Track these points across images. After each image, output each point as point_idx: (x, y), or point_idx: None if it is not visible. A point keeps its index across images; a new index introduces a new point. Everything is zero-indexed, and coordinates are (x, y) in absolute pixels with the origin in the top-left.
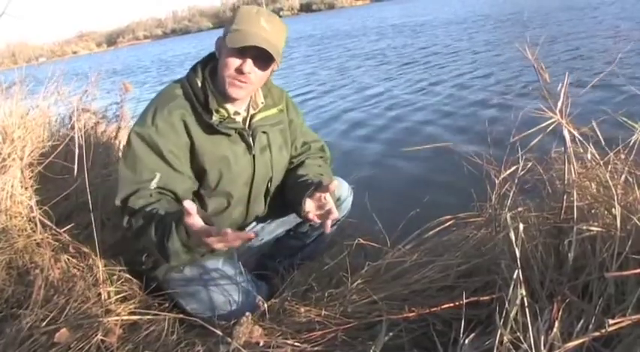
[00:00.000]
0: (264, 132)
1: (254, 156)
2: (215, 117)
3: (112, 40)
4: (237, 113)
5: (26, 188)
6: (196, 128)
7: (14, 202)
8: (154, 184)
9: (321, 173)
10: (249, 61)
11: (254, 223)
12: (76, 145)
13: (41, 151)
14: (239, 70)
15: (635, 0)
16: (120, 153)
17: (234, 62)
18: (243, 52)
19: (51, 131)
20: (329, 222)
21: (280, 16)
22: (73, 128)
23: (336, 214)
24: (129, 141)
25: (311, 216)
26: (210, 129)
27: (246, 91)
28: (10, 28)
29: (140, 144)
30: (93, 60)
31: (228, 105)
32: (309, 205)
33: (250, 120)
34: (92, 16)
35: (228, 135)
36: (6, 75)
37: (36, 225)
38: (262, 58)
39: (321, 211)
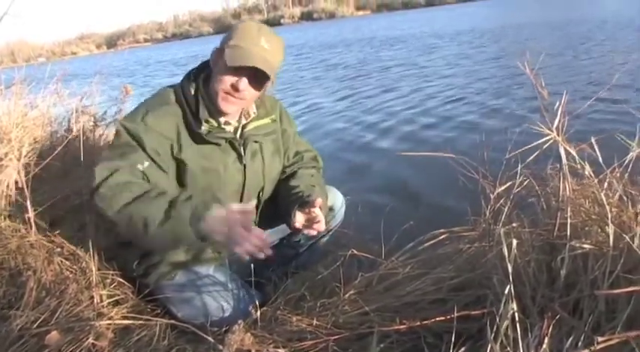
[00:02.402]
0: (256, 142)
1: (245, 165)
2: (204, 127)
3: (112, 42)
4: (227, 123)
5: (22, 188)
6: (186, 136)
7: (9, 202)
8: (140, 168)
9: (313, 183)
10: (245, 80)
11: None
12: (74, 147)
13: (38, 152)
14: (234, 87)
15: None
16: None
17: (229, 79)
18: (240, 70)
19: (49, 132)
20: (313, 232)
21: (281, 24)
22: (71, 130)
23: (322, 227)
24: (117, 132)
25: (298, 224)
26: (199, 138)
27: (238, 107)
28: (11, 27)
29: (127, 136)
30: (92, 62)
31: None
32: (299, 217)
33: (242, 130)
34: (93, 17)
35: (218, 144)
36: (5, 74)
37: (30, 226)
38: (258, 77)
39: (310, 223)
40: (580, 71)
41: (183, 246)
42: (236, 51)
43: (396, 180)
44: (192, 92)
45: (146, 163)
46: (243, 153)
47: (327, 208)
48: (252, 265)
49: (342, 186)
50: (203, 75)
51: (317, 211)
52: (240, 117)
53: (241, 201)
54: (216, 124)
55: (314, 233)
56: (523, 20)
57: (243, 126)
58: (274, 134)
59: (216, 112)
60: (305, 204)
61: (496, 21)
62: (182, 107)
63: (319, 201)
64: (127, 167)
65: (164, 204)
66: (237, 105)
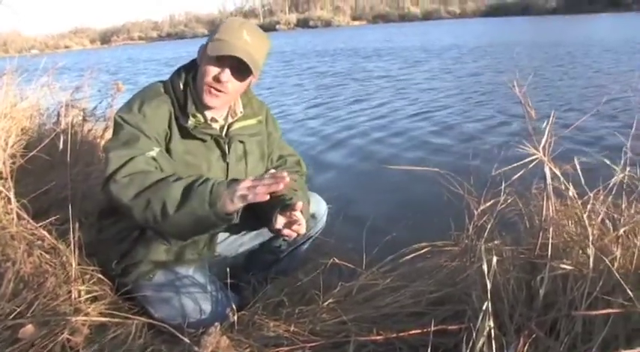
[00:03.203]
0: (241, 142)
1: (228, 163)
2: (191, 122)
3: (106, 38)
4: (214, 120)
5: (6, 179)
6: (175, 128)
7: None
8: (152, 154)
9: (295, 188)
10: (227, 71)
11: (227, 234)
12: (61, 141)
13: (25, 143)
14: (216, 79)
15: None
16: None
17: (212, 70)
18: (222, 61)
19: (37, 124)
20: (293, 234)
21: (276, 30)
22: (60, 123)
23: (303, 230)
24: (117, 125)
25: (278, 226)
26: (186, 132)
27: (222, 101)
28: (4, 17)
29: (129, 127)
30: (84, 56)
31: (206, 112)
32: (280, 220)
33: (228, 129)
34: (89, 11)
35: (204, 140)
36: None
37: (12, 217)
38: (240, 68)
39: (290, 226)
40: (567, 92)
41: (201, 229)
42: (218, 43)
43: (380, 191)
44: (182, 87)
45: (156, 149)
46: (227, 151)
47: (309, 213)
48: (227, 269)
49: (324, 195)
50: (192, 71)
51: (298, 214)
52: (227, 115)
53: None
54: (202, 120)
55: (294, 235)
56: (514, 39)
57: (229, 125)
58: (260, 135)
59: (202, 107)
60: (286, 207)
61: (488, 38)
62: (171, 100)
63: (300, 204)
64: (141, 155)
65: (181, 188)
66: (221, 98)
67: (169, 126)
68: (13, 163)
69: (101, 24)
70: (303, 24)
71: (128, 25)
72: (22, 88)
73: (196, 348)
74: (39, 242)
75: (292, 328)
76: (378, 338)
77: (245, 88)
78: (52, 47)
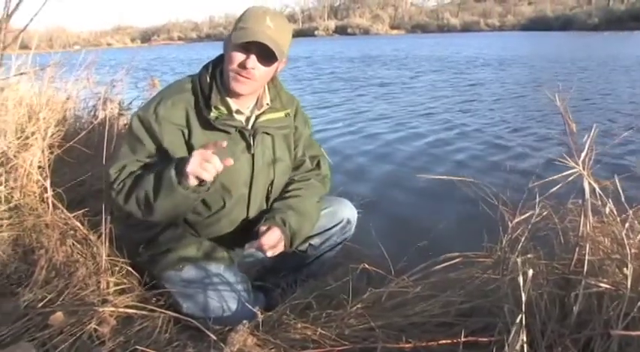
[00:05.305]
0: (268, 134)
1: (253, 155)
2: (213, 114)
3: (146, 36)
4: (239, 112)
5: (43, 168)
6: (196, 123)
7: (30, 181)
8: (150, 161)
9: (292, 205)
10: (253, 57)
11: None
12: (97, 133)
13: (63, 134)
14: (242, 65)
15: None
16: None
17: (238, 57)
18: (247, 48)
19: (75, 116)
20: (258, 252)
21: (314, 35)
22: (97, 116)
23: (269, 253)
24: (130, 124)
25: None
26: (209, 126)
27: (250, 87)
28: (52, 13)
29: (140, 128)
30: (123, 53)
31: (232, 103)
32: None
33: (255, 121)
34: (133, 10)
35: (228, 132)
36: (41, 57)
37: (48, 206)
38: (265, 54)
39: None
40: (604, 108)
41: (188, 205)
42: (242, 31)
43: (412, 200)
44: (208, 80)
45: (156, 159)
46: (252, 143)
47: (311, 227)
48: (256, 269)
49: (355, 201)
50: (220, 65)
51: (265, 239)
52: (254, 107)
53: (250, 192)
54: (226, 112)
55: (259, 253)
56: (550, 52)
57: (256, 117)
58: (287, 129)
59: (227, 96)
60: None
61: (530, 50)
62: (195, 95)
63: (262, 229)
64: (135, 160)
65: (152, 176)
66: (248, 85)
67: (187, 124)
68: (51, 153)
69: (144, 23)
70: (341, 31)
71: (169, 25)
72: (63, 81)
73: (223, 345)
74: (72, 232)
75: (319, 331)
76: (407, 346)
77: (272, 74)
78: (94, 44)
